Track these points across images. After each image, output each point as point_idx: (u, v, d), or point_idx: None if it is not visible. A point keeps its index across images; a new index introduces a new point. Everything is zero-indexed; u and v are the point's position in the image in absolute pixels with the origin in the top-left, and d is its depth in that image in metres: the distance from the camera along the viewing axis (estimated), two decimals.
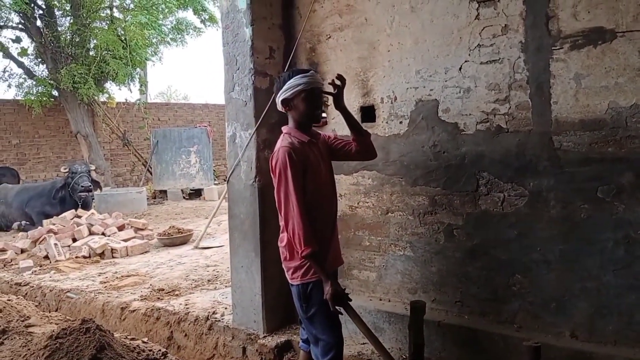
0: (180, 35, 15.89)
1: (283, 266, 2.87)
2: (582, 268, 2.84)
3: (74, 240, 7.45)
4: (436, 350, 3.25)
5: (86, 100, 13.87)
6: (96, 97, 14.28)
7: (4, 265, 6.90)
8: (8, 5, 13.28)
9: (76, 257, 6.89)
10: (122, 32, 13.69)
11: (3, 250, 7.48)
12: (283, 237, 2.80)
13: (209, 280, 5.55)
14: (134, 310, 4.76)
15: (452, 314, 3.31)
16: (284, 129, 2.86)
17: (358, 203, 3.74)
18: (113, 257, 7.09)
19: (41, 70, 14.51)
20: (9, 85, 14.66)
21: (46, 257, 6.93)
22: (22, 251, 7.35)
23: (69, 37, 14.13)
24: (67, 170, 9.73)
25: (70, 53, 13.88)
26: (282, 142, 2.75)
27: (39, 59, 14.35)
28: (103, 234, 7.73)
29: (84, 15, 13.83)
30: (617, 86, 2.67)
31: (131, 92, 18.27)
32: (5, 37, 14.13)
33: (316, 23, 3.81)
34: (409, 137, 3.44)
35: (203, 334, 4.21)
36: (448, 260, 3.32)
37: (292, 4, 3.93)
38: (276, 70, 3.85)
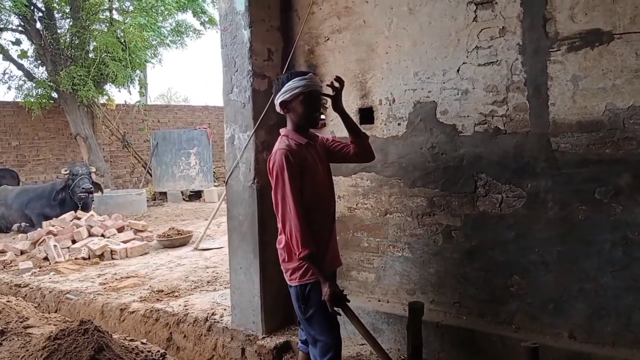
0: (179, 38, 15.93)
1: (281, 267, 2.87)
2: (580, 269, 2.85)
3: (74, 241, 7.45)
4: (434, 351, 3.26)
5: (86, 102, 13.89)
6: (96, 99, 14.29)
7: (4, 267, 6.90)
8: (8, 8, 13.31)
9: (75, 259, 6.89)
10: (122, 34, 13.71)
11: (3, 252, 7.49)
12: (281, 239, 2.81)
13: (208, 282, 5.55)
14: (133, 312, 4.76)
15: (450, 315, 3.32)
16: (282, 131, 2.86)
17: (357, 204, 3.74)
18: (112, 258, 7.09)
19: (41, 72, 14.55)
20: (9, 88, 14.74)
21: (46, 259, 6.93)
22: (22, 253, 7.35)
23: (68, 39, 14.16)
24: (67, 172, 9.74)
25: (69, 55, 13.91)
26: (279, 145, 2.76)
27: (39, 61, 14.38)
28: (102, 235, 7.74)
29: (84, 17, 13.86)
30: (614, 88, 2.68)
31: (130, 94, 18.26)
32: (5, 39, 14.23)
33: (314, 25, 3.82)
34: (407, 139, 3.45)
35: (202, 335, 4.21)
36: (446, 262, 3.32)
37: (290, 6, 3.94)
38: (275, 72, 3.86)
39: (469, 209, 3.21)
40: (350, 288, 3.76)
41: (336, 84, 2.88)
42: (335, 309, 2.68)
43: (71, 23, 14.08)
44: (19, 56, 14.13)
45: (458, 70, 3.19)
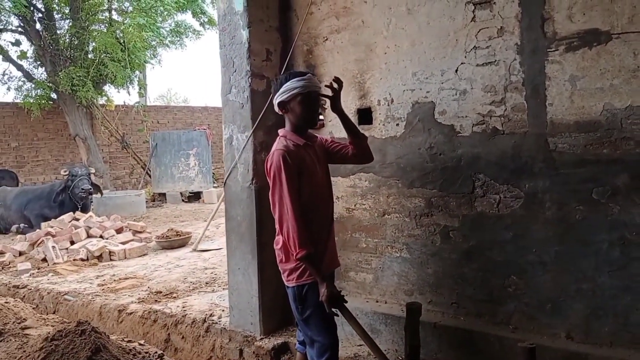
0: (179, 38, 15.92)
1: (279, 268, 2.87)
2: (577, 269, 2.84)
3: (72, 242, 7.44)
4: (432, 352, 3.25)
5: (85, 103, 13.89)
6: (95, 100, 14.28)
7: (2, 268, 6.89)
8: (8, 9, 13.31)
9: (74, 260, 6.88)
10: (121, 35, 13.71)
11: (1, 253, 7.49)
12: (279, 240, 2.80)
13: (206, 283, 5.54)
14: (131, 313, 4.75)
15: (448, 316, 3.31)
16: (280, 131, 2.86)
17: (355, 205, 3.74)
18: (111, 259, 7.08)
19: (40, 73, 14.55)
20: (8, 88, 14.74)
21: (44, 260, 6.92)
22: (20, 254, 7.34)
23: (67, 40, 14.15)
24: (67, 173, 9.73)
25: (69, 56, 13.91)
26: (277, 145, 2.75)
27: (38, 62, 14.37)
28: (101, 236, 7.73)
29: (83, 18, 13.85)
30: (612, 88, 2.68)
31: (130, 94, 18.29)
32: (4, 40, 14.22)
33: (313, 25, 3.82)
34: (405, 139, 3.45)
35: (200, 336, 4.20)
36: (444, 262, 3.32)
37: (289, 6, 3.94)
38: (273, 73, 3.86)
39: (466, 210, 3.21)
40: (349, 289, 3.75)
41: (335, 85, 2.87)
42: (333, 309, 2.67)
43: (70, 24, 14.07)
44: (18, 57, 14.13)
45: (456, 71, 3.19)
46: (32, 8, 13.48)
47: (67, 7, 14.19)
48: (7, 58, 14.09)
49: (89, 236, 7.67)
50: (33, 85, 14.12)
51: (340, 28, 3.69)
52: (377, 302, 3.65)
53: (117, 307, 4.89)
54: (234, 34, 3.80)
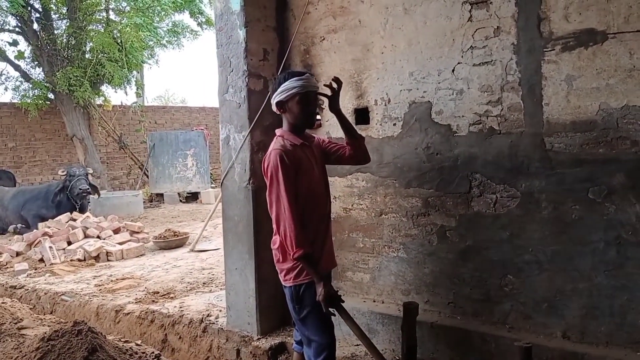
0: (176, 38, 15.89)
1: (276, 268, 2.87)
2: (573, 269, 2.85)
3: (69, 243, 7.43)
4: (429, 351, 3.25)
5: (82, 103, 13.86)
6: (92, 100, 14.26)
7: (0, 268, 6.88)
8: (5, 9, 13.27)
9: (71, 260, 6.88)
10: (118, 35, 13.69)
11: None
12: (276, 240, 2.81)
13: (204, 283, 5.54)
14: (128, 313, 4.75)
15: (444, 315, 3.32)
16: (278, 131, 2.86)
17: (352, 205, 3.74)
18: (108, 260, 7.08)
19: (37, 73, 14.51)
20: (6, 89, 14.73)
21: (41, 260, 6.92)
22: (18, 254, 7.33)
23: (65, 40, 14.13)
24: (65, 173, 9.71)
25: (66, 56, 13.88)
26: (274, 145, 2.75)
27: (36, 62, 14.34)
28: (98, 237, 7.72)
29: (80, 18, 13.82)
30: (608, 87, 2.69)
31: (127, 95, 18.22)
32: (2, 40, 14.24)
33: (310, 25, 3.82)
34: (402, 139, 3.45)
35: (197, 336, 4.20)
36: (441, 262, 3.32)
37: (286, 6, 3.94)
38: (270, 72, 3.86)
39: (463, 209, 3.21)
40: (346, 289, 3.75)
41: (334, 85, 2.87)
42: (330, 309, 2.67)
43: (68, 24, 14.04)
44: (15, 57, 14.11)
45: (453, 70, 3.19)
46: (29, 8, 13.46)
47: (65, 7, 14.17)
48: (5, 58, 14.07)
49: (86, 236, 7.66)
50: (30, 86, 14.09)
51: (337, 28, 3.69)
52: (374, 301, 3.65)
53: (114, 308, 4.88)
54: (231, 34, 3.80)
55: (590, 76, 2.73)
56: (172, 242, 7.75)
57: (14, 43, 14.08)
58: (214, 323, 4.17)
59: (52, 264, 6.75)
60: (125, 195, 12.12)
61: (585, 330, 2.84)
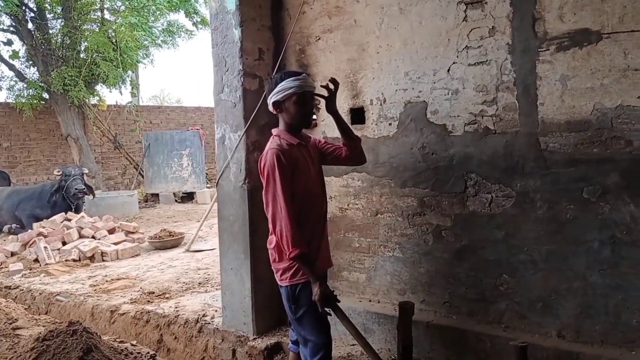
0: (171, 38, 15.85)
1: (272, 268, 2.87)
2: (568, 268, 2.86)
3: (64, 243, 7.40)
4: (424, 351, 3.26)
5: (77, 103, 13.80)
6: (87, 100, 14.20)
7: None
8: None
9: (66, 261, 6.85)
10: (113, 34, 13.65)
11: None
12: (272, 239, 2.80)
13: (199, 283, 5.53)
14: (123, 313, 4.73)
15: (440, 315, 3.32)
16: (274, 131, 2.85)
17: (348, 205, 3.74)
18: (103, 260, 7.05)
19: (32, 72, 14.44)
20: (0, 88, 14.60)
21: (36, 261, 6.89)
22: (12, 254, 7.30)
23: (59, 39, 14.07)
24: (60, 173, 9.67)
25: (61, 55, 13.83)
26: (270, 144, 2.75)
27: (30, 62, 14.27)
28: (93, 237, 7.69)
29: (75, 17, 13.78)
30: (602, 87, 2.70)
31: (122, 94, 18.20)
32: None
33: (305, 25, 3.82)
34: (398, 139, 3.45)
35: (193, 336, 4.19)
36: (436, 261, 3.33)
37: (281, 5, 3.93)
38: (266, 72, 3.86)
39: (459, 209, 3.22)
40: (342, 288, 3.75)
41: (331, 86, 2.87)
42: (326, 309, 2.67)
43: (62, 23, 13.99)
44: (10, 57, 14.03)
45: (448, 70, 3.20)
46: (23, 7, 13.39)
47: (59, 7, 14.11)
48: None
49: (81, 237, 7.63)
50: (25, 85, 14.03)
51: (332, 27, 3.69)
52: (370, 301, 3.65)
53: (109, 308, 4.87)
54: (226, 33, 3.80)
55: (585, 76, 2.74)
56: (167, 242, 7.74)
57: (9, 42, 14.01)
58: (209, 323, 4.17)
59: (47, 264, 6.72)
60: (120, 195, 12.08)
61: (580, 330, 2.85)
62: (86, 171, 10.47)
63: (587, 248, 2.79)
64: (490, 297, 3.13)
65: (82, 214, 8.80)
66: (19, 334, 3.97)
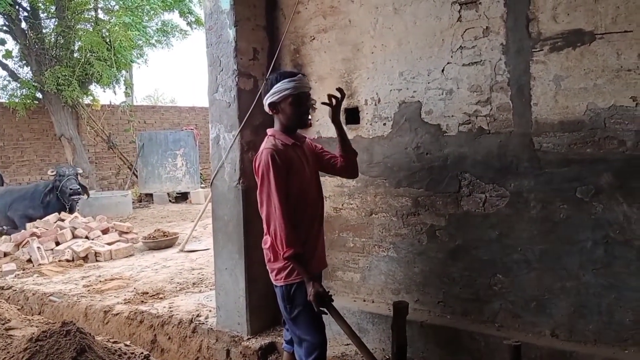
0: (165, 38, 15.82)
1: (267, 268, 2.86)
2: (562, 268, 2.87)
3: (57, 243, 7.37)
4: (419, 350, 3.26)
5: (70, 103, 13.74)
6: (80, 100, 14.13)
7: None
8: None
9: (59, 261, 6.82)
10: (107, 34, 13.59)
11: None
12: (267, 239, 2.80)
13: (194, 284, 5.52)
14: (117, 314, 4.72)
15: (434, 314, 3.33)
16: (269, 131, 2.85)
17: (342, 205, 3.74)
18: (97, 260, 7.03)
19: (25, 72, 14.36)
20: None
21: (29, 261, 6.85)
22: (5, 254, 7.26)
23: (53, 39, 14.00)
24: (54, 173, 9.62)
25: (54, 55, 13.76)
26: (265, 144, 2.75)
27: (24, 61, 14.20)
28: (87, 237, 7.66)
29: (69, 17, 13.71)
30: (595, 88, 2.71)
31: (116, 94, 18.13)
32: None
33: (300, 25, 3.82)
34: (392, 139, 3.46)
35: (187, 336, 4.18)
36: (431, 261, 3.33)
37: (276, 5, 3.93)
38: (260, 72, 3.85)
39: (453, 209, 3.22)
40: (336, 288, 3.76)
41: (338, 95, 2.88)
42: (321, 308, 2.67)
43: (56, 22, 13.92)
44: (3, 56, 13.94)
45: (443, 70, 3.21)
46: (17, 7, 13.33)
47: (53, 6, 14.04)
48: None
49: (74, 237, 7.60)
50: (18, 85, 13.95)
51: (327, 27, 3.69)
52: (364, 301, 3.65)
53: (103, 308, 4.85)
54: (221, 33, 3.79)
55: (578, 76, 2.76)
56: (161, 242, 7.72)
57: (2, 42, 13.91)
58: (203, 323, 4.16)
59: (40, 264, 6.69)
60: (114, 196, 12.05)
61: (573, 329, 2.86)
62: (80, 171, 10.42)
63: (581, 248, 2.80)
64: (484, 297, 3.14)
65: (76, 214, 8.76)
66: (12, 335, 3.95)
